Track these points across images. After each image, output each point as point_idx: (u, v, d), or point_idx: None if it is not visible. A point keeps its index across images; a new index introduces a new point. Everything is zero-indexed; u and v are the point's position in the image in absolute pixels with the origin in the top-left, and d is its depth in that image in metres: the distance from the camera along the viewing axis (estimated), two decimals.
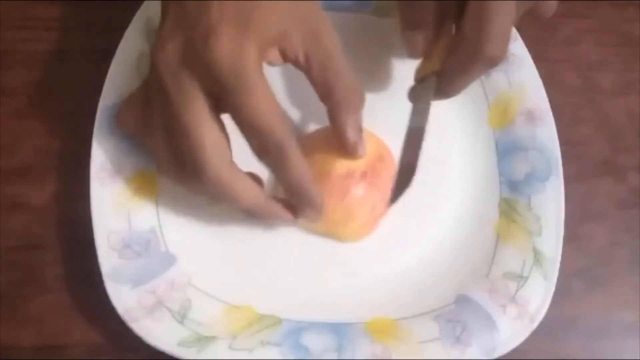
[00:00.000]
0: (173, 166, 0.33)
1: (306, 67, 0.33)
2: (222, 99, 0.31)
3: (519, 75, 0.41)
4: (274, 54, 0.33)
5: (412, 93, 0.36)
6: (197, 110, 0.31)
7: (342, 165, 0.37)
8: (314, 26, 0.33)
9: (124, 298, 0.34)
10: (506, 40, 0.32)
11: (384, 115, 0.38)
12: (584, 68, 0.45)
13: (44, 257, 0.37)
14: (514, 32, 0.41)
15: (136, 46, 0.38)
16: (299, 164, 0.32)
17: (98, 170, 0.36)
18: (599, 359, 0.37)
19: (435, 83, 0.35)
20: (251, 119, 0.30)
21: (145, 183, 0.37)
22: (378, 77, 0.41)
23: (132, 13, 0.39)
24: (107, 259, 0.34)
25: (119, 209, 0.36)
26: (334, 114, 0.34)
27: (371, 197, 0.37)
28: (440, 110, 0.40)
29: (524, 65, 0.41)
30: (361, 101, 0.35)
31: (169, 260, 0.36)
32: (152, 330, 0.33)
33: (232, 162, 0.33)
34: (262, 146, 0.31)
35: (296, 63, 0.33)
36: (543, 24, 0.45)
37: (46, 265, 0.37)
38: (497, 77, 0.41)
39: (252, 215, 0.34)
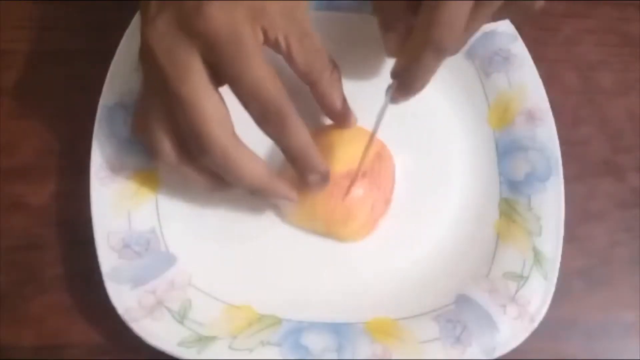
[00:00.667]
0: (174, 149, 0.33)
1: (286, 49, 0.33)
2: (219, 68, 0.31)
3: (519, 75, 0.41)
4: (259, 33, 0.32)
5: (387, 92, 0.36)
6: (195, 81, 0.31)
7: (342, 165, 0.37)
8: (288, 4, 0.33)
9: (124, 298, 0.34)
10: (455, 29, 0.31)
11: None
12: (584, 68, 0.45)
13: (44, 257, 0.37)
14: (514, 32, 0.42)
15: (136, 46, 0.38)
16: (300, 128, 0.32)
17: (98, 170, 0.36)
18: (599, 359, 0.37)
19: None
20: (251, 86, 0.31)
21: (145, 183, 0.37)
22: (378, 77, 0.41)
23: (132, 13, 0.39)
24: (107, 259, 0.34)
25: (119, 209, 0.36)
26: (318, 89, 0.35)
27: (371, 196, 0.37)
28: (441, 111, 0.40)
29: (524, 65, 0.41)
30: (340, 74, 0.36)
31: (169, 260, 0.36)
32: (152, 330, 0.33)
33: (235, 134, 0.33)
34: (263, 113, 0.31)
35: (276, 45, 0.33)
36: (543, 24, 0.45)
37: (46, 265, 0.37)
38: (497, 77, 0.41)
39: (255, 194, 0.34)
